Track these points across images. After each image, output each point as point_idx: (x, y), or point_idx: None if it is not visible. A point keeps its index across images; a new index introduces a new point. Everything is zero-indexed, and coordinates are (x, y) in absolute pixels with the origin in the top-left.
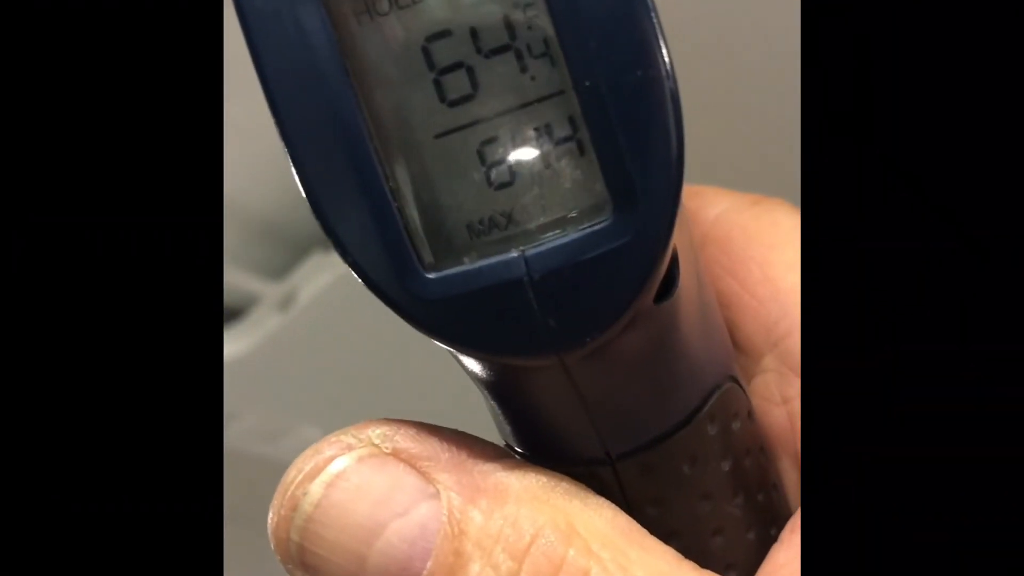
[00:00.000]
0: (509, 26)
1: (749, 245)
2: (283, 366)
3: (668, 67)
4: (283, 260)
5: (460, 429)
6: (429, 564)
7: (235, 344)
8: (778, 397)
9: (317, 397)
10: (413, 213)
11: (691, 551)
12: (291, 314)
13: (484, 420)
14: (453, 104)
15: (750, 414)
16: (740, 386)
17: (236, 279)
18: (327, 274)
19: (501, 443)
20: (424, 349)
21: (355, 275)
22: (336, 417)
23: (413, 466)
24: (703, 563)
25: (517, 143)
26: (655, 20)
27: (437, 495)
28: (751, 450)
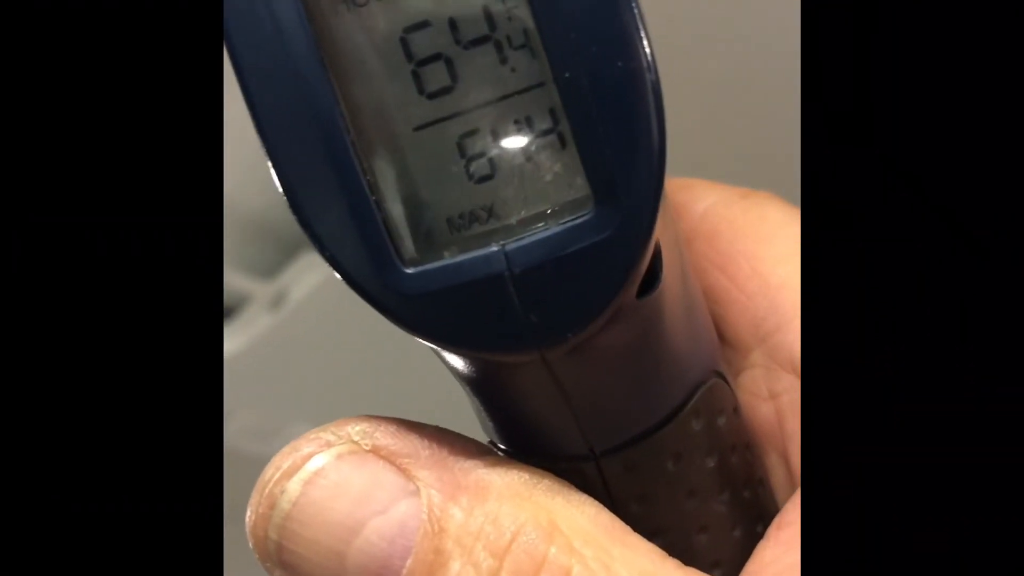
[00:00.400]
0: (489, 17)
1: (737, 239)
2: (275, 365)
3: (649, 59)
4: (274, 259)
5: (451, 427)
6: (409, 562)
7: (227, 343)
8: (765, 392)
9: (309, 396)
10: (392, 207)
11: (676, 548)
12: (282, 313)
13: (474, 418)
14: (432, 96)
15: (736, 410)
16: (726, 381)
17: (227, 278)
18: (318, 273)
19: (487, 440)
20: (415, 347)
21: (334, 271)
22: (328, 416)
23: (393, 463)
24: (688, 561)
25: (497, 136)
26: (636, 11)
27: (417, 492)
28: (737, 446)
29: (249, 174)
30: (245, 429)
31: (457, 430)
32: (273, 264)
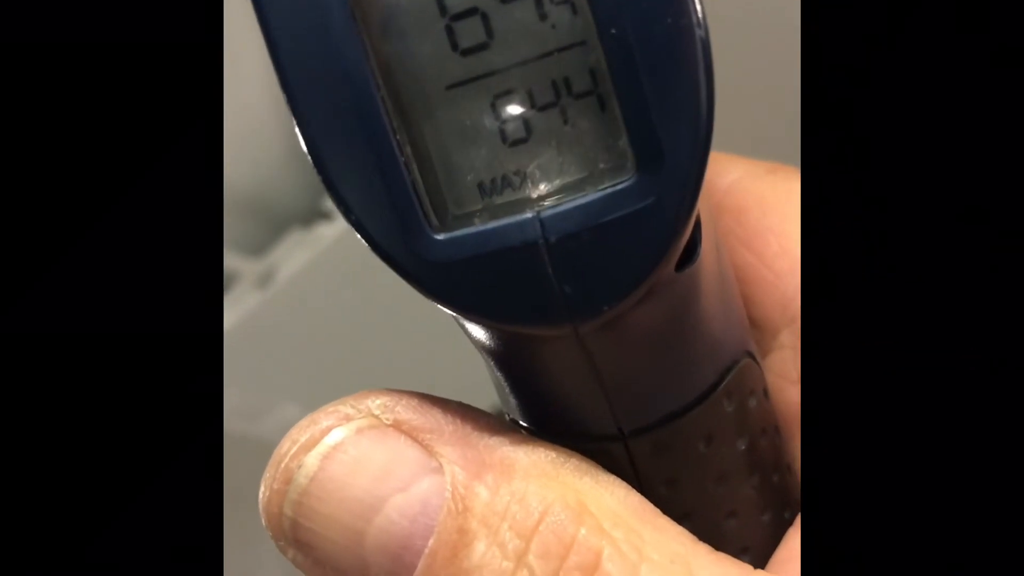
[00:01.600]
0: None
1: (765, 216)
2: (263, 343)
3: (700, 15)
4: (262, 237)
5: None
6: (431, 542)
7: None
8: (794, 375)
9: (298, 374)
10: (422, 170)
11: (705, 533)
12: (270, 291)
13: (470, 396)
14: (466, 53)
15: (766, 392)
16: (756, 362)
17: None
18: (306, 251)
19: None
20: (406, 326)
21: (359, 236)
22: (317, 394)
23: (415, 439)
24: (717, 545)
25: (534, 96)
26: None
27: (440, 469)
28: (767, 429)
29: (236, 152)
30: (234, 408)
31: None
32: (261, 242)
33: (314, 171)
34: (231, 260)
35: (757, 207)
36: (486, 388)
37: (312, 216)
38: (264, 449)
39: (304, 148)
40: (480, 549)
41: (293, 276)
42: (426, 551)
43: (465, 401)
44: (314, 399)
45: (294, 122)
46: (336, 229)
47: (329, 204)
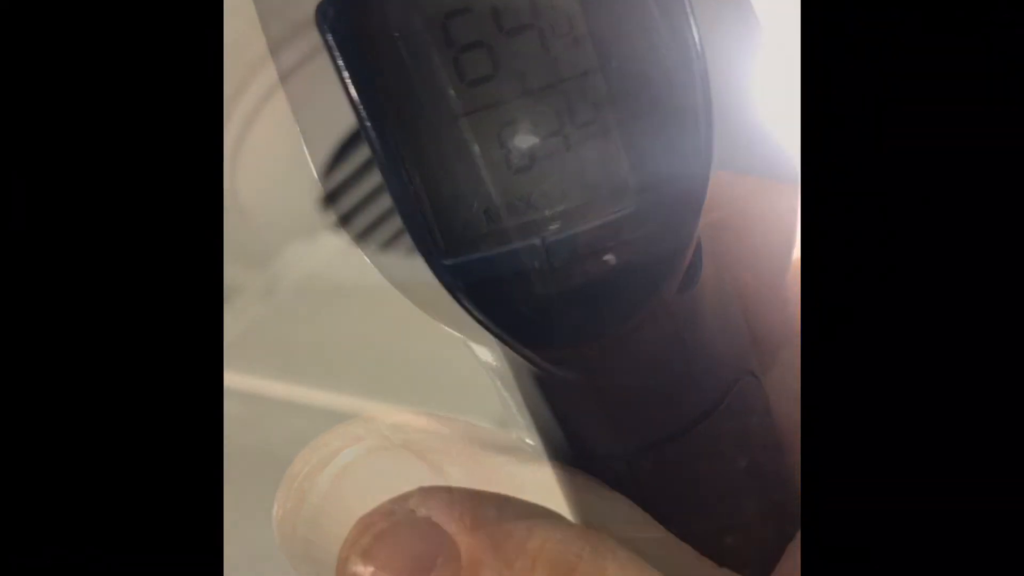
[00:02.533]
0: (533, 4)
1: (767, 233)
2: (266, 354)
3: (698, 47)
4: (266, 248)
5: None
6: (439, 562)
7: None
8: (794, 392)
9: (300, 386)
10: (430, 197)
11: (707, 549)
12: (274, 302)
13: (475, 410)
14: (472, 84)
15: (767, 409)
16: (758, 380)
17: None
18: (310, 262)
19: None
20: (410, 339)
21: (368, 260)
22: (320, 406)
23: (424, 458)
24: (720, 562)
25: (538, 126)
26: None
27: (449, 488)
28: (768, 447)
29: (238, 163)
30: (236, 419)
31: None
32: (264, 253)
33: (320, 187)
34: (234, 271)
35: (758, 225)
36: (491, 403)
37: (315, 228)
38: (266, 460)
39: (314, 174)
40: (487, 570)
41: (297, 287)
42: (435, 571)
43: (469, 415)
44: (317, 411)
45: (304, 149)
46: (339, 241)
47: (332, 216)
